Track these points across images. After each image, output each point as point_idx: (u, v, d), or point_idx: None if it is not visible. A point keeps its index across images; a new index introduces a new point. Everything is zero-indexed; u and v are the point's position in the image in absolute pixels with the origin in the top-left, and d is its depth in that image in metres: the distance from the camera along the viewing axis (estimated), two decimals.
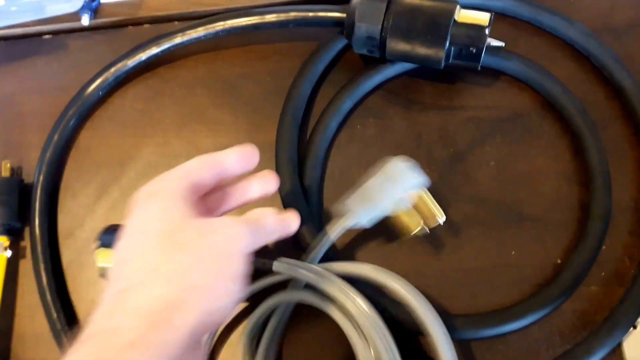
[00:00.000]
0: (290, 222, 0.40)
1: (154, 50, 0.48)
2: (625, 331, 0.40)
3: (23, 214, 0.47)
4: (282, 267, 0.40)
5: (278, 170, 0.45)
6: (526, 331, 0.42)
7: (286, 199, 0.45)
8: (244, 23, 0.47)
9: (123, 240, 0.33)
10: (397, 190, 0.41)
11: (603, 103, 0.47)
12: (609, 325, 0.41)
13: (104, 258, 0.40)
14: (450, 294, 0.43)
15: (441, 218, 0.41)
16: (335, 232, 0.41)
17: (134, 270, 0.31)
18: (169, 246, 0.32)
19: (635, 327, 0.41)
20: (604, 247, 0.43)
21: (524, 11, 0.49)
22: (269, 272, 0.40)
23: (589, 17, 0.49)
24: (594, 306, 0.42)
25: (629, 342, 0.41)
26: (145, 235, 0.32)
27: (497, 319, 0.41)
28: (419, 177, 0.41)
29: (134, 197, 0.34)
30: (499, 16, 0.49)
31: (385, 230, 0.44)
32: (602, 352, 0.40)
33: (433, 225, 0.41)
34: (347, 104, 0.47)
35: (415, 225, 0.41)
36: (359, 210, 0.41)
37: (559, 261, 0.43)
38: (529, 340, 0.42)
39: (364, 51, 0.46)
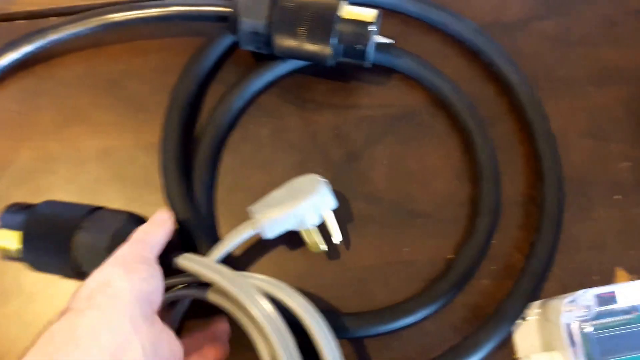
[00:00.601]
0: (162, 222, 0.38)
1: (27, 48, 0.45)
2: (512, 323, 0.41)
3: None
4: (185, 263, 0.38)
5: (164, 173, 0.43)
6: (420, 326, 0.42)
7: (173, 204, 0.43)
8: (123, 18, 0.45)
9: (65, 344, 0.29)
10: (304, 206, 0.40)
11: (493, 99, 0.48)
12: (497, 317, 0.41)
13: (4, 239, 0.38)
14: (345, 293, 0.43)
15: (324, 247, 0.42)
16: (233, 242, 0.40)
17: None
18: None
19: (524, 319, 0.42)
20: (494, 241, 0.44)
21: (414, 8, 0.49)
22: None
23: (480, 13, 0.50)
24: (485, 299, 0.43)
25: (519, 334, 0.42)
26: (92, 351, 0.29)
27: (390, 315, 0.42)
28: (329, 197, 0.41)
29: (80, 289, 0.32)
30: (389, 13, 0.49)
31: None
32: (491, 344, 0.41)
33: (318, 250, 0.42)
34: (238, 102, 0.46)
35: (314, 247, 0.41)
36: (262, 221, 0.40)
37: (450, 256, 0.44)
38: (423, 335, 0.42)
39: (251, 47, 0.45)
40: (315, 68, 0.47)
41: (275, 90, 0.47)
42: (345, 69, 0.47)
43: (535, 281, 0.42)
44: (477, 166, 0.45)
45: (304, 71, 0.48)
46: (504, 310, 0.42)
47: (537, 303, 0.42)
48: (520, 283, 0.42)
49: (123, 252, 0.35)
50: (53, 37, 0.45)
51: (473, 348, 0.40)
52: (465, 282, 0.43)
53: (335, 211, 0.42)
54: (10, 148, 0.46)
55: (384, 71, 0.48)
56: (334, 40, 0.42)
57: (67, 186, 0.45)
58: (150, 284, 0.34)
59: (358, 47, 0.43)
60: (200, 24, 0.47)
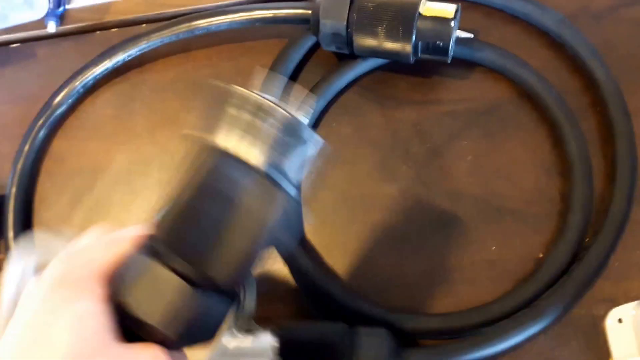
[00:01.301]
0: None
1: (121, 56, 0.47)
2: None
3: None
4: None
5: None
6: None
7: None
8: (209, 23, 0.46)
9: (17, 346, 0.26)
10: None
11: (579, 92, 0.46)
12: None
13: None
14: (430, 293, 0.42)
15: None
16: None
17: None
18: None
19: (620, 321, 0.40)
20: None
21: None
22: None
23: (566, 1, 0.48)
24: None
25: (615, 336, 0.40)
26: (50, 353, 0.25)
27: (476, 317, 0.41)
28: None
29: (34, 285, 0.28)
30: (470, 5, 0.47)
31: (367, 230, 0.44)
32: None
33: None
34: (320, 102, 0.46)
35: None
36: None
37: (540, 255, 0.42)
38: None
39: (333, 48, 0.45)
40: (396, 65, 0.47)
41: (357, 88, 0.48)
42: (426, 64, 0.46)
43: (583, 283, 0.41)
44: (568, 160, 0.43)
45: (384, 68, 0.47)
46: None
47: (633, 304, 0.40)
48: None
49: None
50: (144, 44, 0.47)
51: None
52: (556, 282, 0.41)
53: (421, 208, 0.42)
54: (106, 151, 0.48)
55: (465, 65, 0.47)
56: (414, 39, 0.42)
57: (160, 188, 0.47)
58: None
59: (439, 43, 0.42)
60: (283, 26, 0.48)
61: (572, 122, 0.44)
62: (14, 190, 0.46)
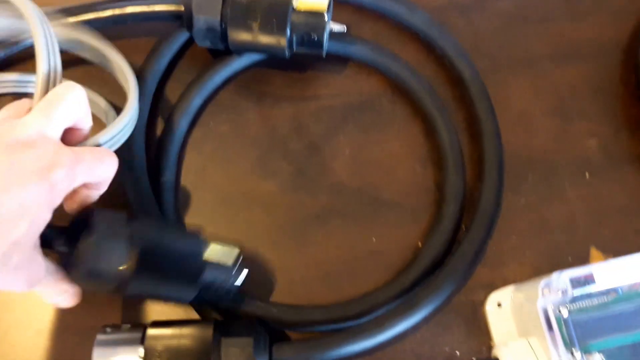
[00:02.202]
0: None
1: None
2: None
3: None
4: None
5: (125, 174, 0.42)
6: None
7: (136, 205, 0.42)
8: (76, 21, 0.44)
9: None
10: None
11: (447, 86, 0.47)
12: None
13: None
14: (314, 288, 0.42)
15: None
16: None
17: None
18: None
19: (499, 305, 0.41)
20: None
21: None
22: None
23: None
24: None
25: (495, 320, 0.41)
26: None
27: (356, 306, 0.41)
28: None
29: None
30: (340, 3, 0.48)
31: (249, 225, 0.43)
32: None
33: None
34: (196, 100, 0.45)
35: None
36: None
37: (419, 244, 0.43)
38: None
39: (207, 44, 0.44)
40: (271, 61, 0.46)
41: (233, 86, 0.47)
42: (301, 60, 0.46)
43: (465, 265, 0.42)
44: (441, 151, 0.44)
45: (260, 65, 0.47)
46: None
47: (511, 287, 0.41)
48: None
49: None
50: None
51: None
52: (434, 271, 0.42)
53: (302, 203, 0.42)
54: None
55: (339, 60, 0.47)
56: (287, 32, 0.41)
57: None
58: None
59: (314, 37, 0.42)
60: (153, 24, 0.46)
61: (444, 114, 0.45)
62: None
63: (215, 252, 0.38)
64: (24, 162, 0.30)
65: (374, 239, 0.43)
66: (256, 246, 0.43)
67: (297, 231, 0.43)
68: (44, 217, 0.31)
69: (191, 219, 0.43)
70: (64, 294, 0.36)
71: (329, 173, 0.44)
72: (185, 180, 0.44)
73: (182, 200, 0.44)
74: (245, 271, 0.38)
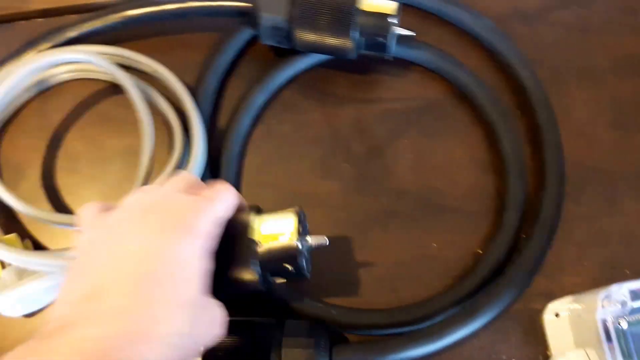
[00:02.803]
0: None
1: (46, 47, 0.44)
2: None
3: None
4: None
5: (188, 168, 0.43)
6: None
7: None
8: (141, 13, 0.44)
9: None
10: None
11: (508, 94, 0.47)
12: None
13: None
14: (373, 290, 0.42)
15: None
16: None
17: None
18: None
19: (557, 315, 0.41)
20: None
21: (430, 3, 0.48)
22: None
23: (499, 2, 0.49)
24: None
25: (552, 331, 0.41)
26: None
27: (416, 311, 0.41)
28: None
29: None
30: (405, 7, 0.47)
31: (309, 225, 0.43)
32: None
33: None
34: (259, 99, 0.45)
35: None
36: None
37: (479, 251, 0.43)
38: None
39: (272, 42, 0.44)
40: (336, 62, 0.47)
41: (296, 85, 0.47)
42: (366, 62, 0.46)
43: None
44: (503, 159, 0.44)
45: (324, 65, 0.47)
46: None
47: (569, 298, 0.41)
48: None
49: None
50: (72, 35, 0.44)
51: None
52: (494, 278, 0.42)
53: (362, 205, 0.43)
54: (33, 147, 0.45)
55: (404, 64, 0.47)
56: (354, 33, 0.41)
57: (90, 184, 0.44)
58: None
59: (379, 39, 0.42)
60: (217, 20, 0.47)
61: (507, 122, 0.45)
62: None
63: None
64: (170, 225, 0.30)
65: (433, 244, 0.43)
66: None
67: (357, 233, 0.43)
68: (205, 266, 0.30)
69: None
70: None
71: (391, 176, 0.45)
72: (246, 178, 0.45)
73: (244, 197, 0.44)
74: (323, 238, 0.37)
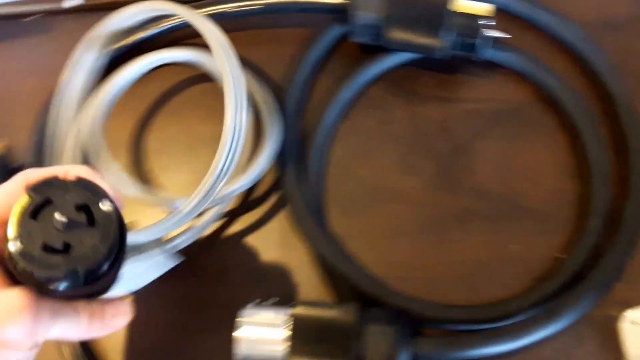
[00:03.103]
0: (117, 319, 0.34)
1: (141, 36, 0.47)
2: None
3: None
4: None
5: (280, 159, 0.45)
6: None
7: (288, 191, 0.44)
8: (237, 7, 0.46)
9: None
10: None
11: (594, 100, 0.47)
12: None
13: None
14: (450, 286, 0.43)
15: None
16: None
17: None
18: None
19: (634, 324, 0.41)
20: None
21: (521, 8, 0.48)
22: None
23: (588, 10, 0.49)
24: None
25: (630, 339, 0.41)
26: None
27: (494, 311, 0.41)
28: None
29: None
30: (497, 11, 0.48)
31: (391, 219, 0.44)
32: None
33: None
34: (347, 94, 0.47)
35: None
36: None
37: (558, 255, 0.43)
38: None
39: (363, 40, 0.46)
40: (423, 61, 0.47)
41: (383, 82, 0.48)
42: (453, 62, 0.47)
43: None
44: (587, 165, 0.44)
45: (411, 64, 0.48)
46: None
47: None
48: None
49: None
50: (166, 25, 0.47)
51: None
52: (574, 283, 0.42)
53: (443, 202, 0.44)
54: (129, 128, 0.48)
55: (491, 66, 0.47)
56: (445, 33, 0.42)
57: (181, 166, 0.46)
58: None
59: (469, 40, 0.43)
60: (309, 15, 0.48)
61: (594, 129, 0.45)
62: (32, 160, 0.45)
63: None
64: None
65: (512, 245, 0.44)
66: (395, 240, 0.44)
67: (436, 229, 0.44)
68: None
69: (334, 208, 0.45)
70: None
71: (472, 176, 0.45)
72: (331, 171, 0.46)
73: (327, 190, 0.46)
74: None
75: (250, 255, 0.44)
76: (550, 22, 0.48)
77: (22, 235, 0.29)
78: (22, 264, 0.29)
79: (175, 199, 0.42)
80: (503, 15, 0.48)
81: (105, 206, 0.31)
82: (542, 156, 0.46)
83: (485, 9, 0.43)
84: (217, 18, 0.46)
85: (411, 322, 0.40)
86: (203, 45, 0.44)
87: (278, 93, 0.47)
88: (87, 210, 0.31)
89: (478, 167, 0.45)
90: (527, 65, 0.47)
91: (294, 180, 0.44)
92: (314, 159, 0.45)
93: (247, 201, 0.46)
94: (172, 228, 0.41)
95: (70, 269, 0.29)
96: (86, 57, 0.45)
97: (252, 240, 0.45)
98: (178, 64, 0.48)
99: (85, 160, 0.45)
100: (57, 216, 0.30)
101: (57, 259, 0.29)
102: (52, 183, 0.31)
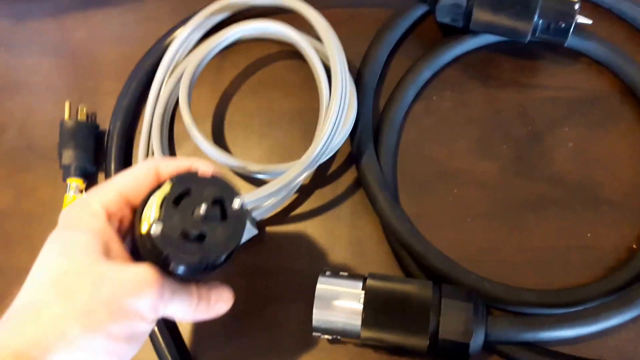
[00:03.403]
0: (220, 304, 0.37)
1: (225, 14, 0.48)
2: None
3: (97, 159, 0.47)
4: None
5: (355, 135, 0.45)
6: None
7: (362, 165, 0.45)
8: None
9: (35, 264, 0.32)
10: None
11: None
12: None
13: None
14: (523, 271, 0.43)
15: None
16: None
17: (28, 299, 0.31)
18: (62, 290, 0.30)
19: None
20: None
21: None
22: None
23: None
24: None
25: None
26: (43, 273, 0.31)
27: (568, 297, 0.41)
28: None
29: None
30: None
31: (463, 201, 0.45)
32: None
33: None
34: (425, 74, 0.47)
35: None
36: None
37: (634, 246, 0.43)
38: None
39: (447, 20, 0.46)
40: (503, 45, 0.48)
41: (460, 65, 0.48)
42: (533, 48, 0.47)
43: None
44: None
45: (491, 48, 0.48)
46: None
47: None
48: None
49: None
50: (253, 2, 0.48)
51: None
52: None
53: (519, 188, 0.44)
54: (207, 100, 0.49)
55: (572, 53, 0.47)
56: (538, 17, 0.42)
57: (260, 139, 0.47)
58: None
59: (562, 24, 0.43)
60: None
61: None
62: (118, 125, 0.47)
63: None
64: None
65: (588, 234, 0.44)
66: (468, 222, 0.44)
67: (511, 214, 0.44)
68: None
69: (407, 187, 0.46)
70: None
71: (550, 163, 0.45)
72: (403, 150, 0.47)
73: (399, 168, 0.46)
74: None
75: (322, 229, 0.45)
76: (634, 13, 0.48)
77: (164, 219, 0.32)
78: (158, 245, 0.31)
79: (271, 169, 0.43)
80: (587, 5, 0.48)
81: (237, 204, 0.33)
82: (621, 146, 0.45)
83: None
84: None
85: (484, 301, 0.40)
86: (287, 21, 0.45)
87: (353, 71, 0.47)
88: (221, 205, 0.33)
89: (555, 155, 0.45)
90: (609, 55, 0.46)
91: (368, 157, 0.44)
92: (388, 138, 0.46)
93: (320, 176, 0.47)
94: (271, 197, 0.42)
95: (204, 256, 0.32)
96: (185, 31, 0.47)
97: (324, 215, 0.46)
98: (262, 39, 0.49)
99: (171, 129, 0.47)
100: (199, 207, 0.32)
101: (192, 245, 0.32)
102: (192, 176, 0.34)
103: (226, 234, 0.33)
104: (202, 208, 0.32)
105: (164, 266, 0.32)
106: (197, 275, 0.35)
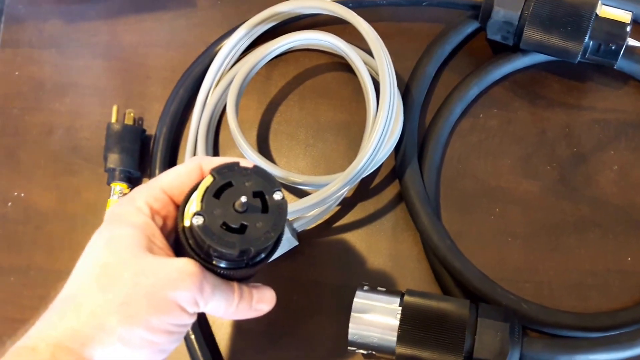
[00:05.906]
0: (261, 304, 0.39)
1: (273, 22, 0.52)
2: None
3: (142, 164, 0.50)
4: None
5: (400, 150, 0.49)
6: None
7: (405, 179, 0.48)
8: None
9: (80, 259, 0.35)
10: None
11: None
12: None
13: None
14: (561, 293, 0.46)
15: None
16: None
17: (71, 291, 0.34)
18: (104, 282, 0.33)
19: None
20: None
21: None
22: None
23: None
24: None
25: None
26: (86, 266, 0.34)
27: (605, 320, 0.44)
28: None
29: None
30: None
31: (504, 220, 0.48)
32: None
33: None
34: (473, 90, 0.50)
35: None
36: None
37: None
38: None
39: (498, 37, 0.49)
40: (552, 65, 0.51)
41: (508, 83, 0.52)
42: (582, 69, 0.50)
43: None
44: None
45: (539, 67, 0.51)
46: None
47: None
48: None
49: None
50: (301, 11, 0.51)
51: None
52: None
53: (560, 209, 0.47)
54: (256, 108, 0.53)
55: (622, 76, 0.50)
56: (588, 38, 0.45)
57: (305, 149, 0.51)
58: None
59: (612, 46, 0.46)
60: (441, 11, 0.52)
61: None
62: (164, 130, 0.50)
63: None
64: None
65: (628, 259, 0.47)
66: (508, 242, 0.48)
67: (551, 235, 0.48)
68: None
69: (449, 203, 0.49)
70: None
71: (593, 185, 0.48)
72: (447, 165, 0.50)
73: (442, 184, 0.50)
74: None
75: (362, 242, 0.49)
76: None
77: (206, 211, 0.34)
78: (200, 236, 0.34)
79: (315, 181, 0.47)
80: (636, 26, 0.51)
81: (278, 196, 0.35)
82: None
83: (626, 16, 0.46)
84: (354, 7, 0.49)
85: (520, 322, 0.43)
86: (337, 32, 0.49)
87: (401, 85, 0.51)
88: (262, 198, 0.35)
89: (599, 177, 0.49)
90: None
91: (411, 172, 0.48)
92: (432, 154, 0.49)
93: (363, 189, 0.50)
94: (313, 209, 0.46)
95: (244, 248, 0.34)
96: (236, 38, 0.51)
97: (364, 228, 0.49)
98: (311, 50, 0.53)
99: (216, 136, 0.51)
100: (240, 199, 0.34)
101: (233, 237, 0.34)
102: (233, 168, 0.36)
103: (267, 226, 0.34)
104: (243, 200, 0.34)
105: (205, 260, 0.35)
106: (239, 273, 0.37)
